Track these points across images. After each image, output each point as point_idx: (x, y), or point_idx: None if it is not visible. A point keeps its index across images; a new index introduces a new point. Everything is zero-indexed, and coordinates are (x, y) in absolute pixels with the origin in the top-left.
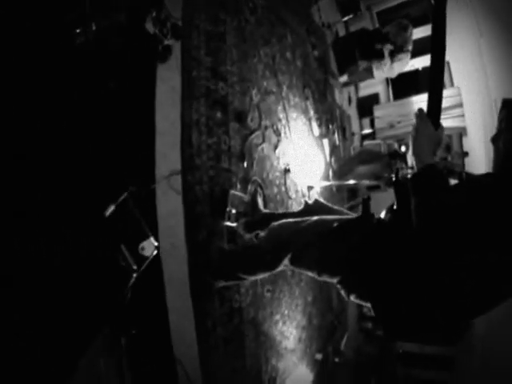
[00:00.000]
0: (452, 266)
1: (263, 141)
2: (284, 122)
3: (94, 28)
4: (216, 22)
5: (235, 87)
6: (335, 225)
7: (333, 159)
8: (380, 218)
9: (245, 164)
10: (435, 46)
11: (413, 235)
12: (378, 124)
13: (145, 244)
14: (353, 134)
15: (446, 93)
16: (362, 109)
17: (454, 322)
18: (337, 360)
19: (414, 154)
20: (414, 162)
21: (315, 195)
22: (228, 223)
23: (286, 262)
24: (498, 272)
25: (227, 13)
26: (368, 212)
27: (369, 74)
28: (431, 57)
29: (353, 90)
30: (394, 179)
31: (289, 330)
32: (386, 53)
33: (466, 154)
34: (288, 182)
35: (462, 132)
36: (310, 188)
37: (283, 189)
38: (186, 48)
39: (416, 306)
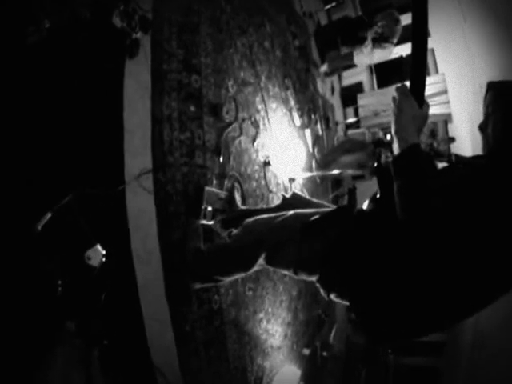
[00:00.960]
0: (443, 261)
1: (240, 133)
2: (263, 113)
3: (47, 25)
4: (189, 12)
5: (210, 79)
6: (312, 218)
7: (316, 149)
8: (362, 208)
9: (221, 159)
10: (417, 17)
11: (397, 226)
12: (362, 113)
13: (90, 253)
14: (336, 124)
15: (430, 80)
16: (346, 98)
17: (444, 325)
18: (325, 354)
19: (397, 133)
20: (397, 143)
21: (298, 187)
22: (204, 221)
23: (261, 261)
24: (495, 265)
25: (201, 2)
26: (353, 202)
27: (349, 59)
28: (412, 29)
29: (336, 79)
30: (376, 165)
31: (274, 328)
32: (369, 39)
33: (452, 139)
34: (268, 175)
35: (447, 119)
36: (291, 180)
37: (263, 182)
38: (156, 41)
39: (402, 306)
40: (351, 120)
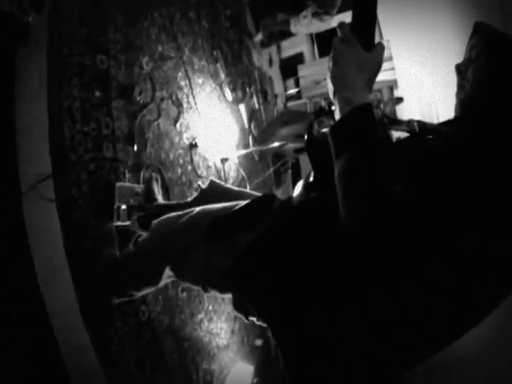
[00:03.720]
0: (410, 272)
1: (159, 115)
2: (186, 90)
3: None
4: None
5: (119, 57)
6: (220, 216)
7: (253, 125)
8: (290, 198)
9: (135, 147)
10: None
11: (339, 227)
12: (303, 83)
13: None
14: (275, 97)
15: None
16: (286, 70)
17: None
18: None
19: (336, 91)
20: (337, 105)
21: (232, 167)
22: (118, 223)
23: (168, 272)
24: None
25: None
26: (297, 177)
27: (285, 26)
28: None
29: (275, 51)
30: (306, 137)
31: (218, 326)
32: (309, 9)
33: (400, 99)
34: (196, 158)
35: (392, 85)
36: (224, 160)
37: (189, 168)
38: (53, 22)
39: (339, 343)
40: (292, 91)
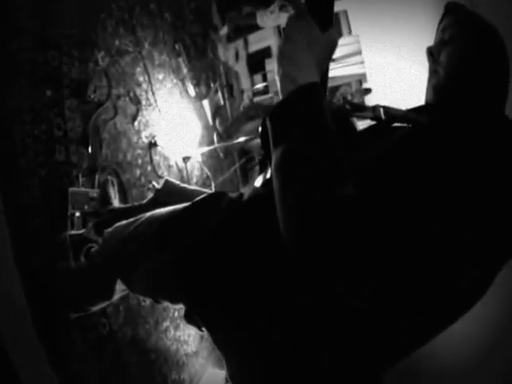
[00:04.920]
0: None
1: (115, 114)
2: (145, 86)
3: None
4: None
5: (73, 53)
6: (168, 220)
7: (217, 121)
8: (241, 194)
9: (89, 149)
10: None
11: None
12: (270, 78)
13: None
14: (242, 92)
15: (344, 41)
16: (254, 64)
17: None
18: None
19: (280, 65)
20: (280, 85)
21: (196, 166)
22: (73, 232)
23: (121, 285)
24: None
25: None
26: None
27: (252, 19)
28: None
29: (242, 46)
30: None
31: (185, 333)
32: (276, 3)
33: (368, 90)
34: (156, 158)
35: (361, 78)
36: (186, 159)
37: (149, 168)
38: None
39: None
40: (259, 86)
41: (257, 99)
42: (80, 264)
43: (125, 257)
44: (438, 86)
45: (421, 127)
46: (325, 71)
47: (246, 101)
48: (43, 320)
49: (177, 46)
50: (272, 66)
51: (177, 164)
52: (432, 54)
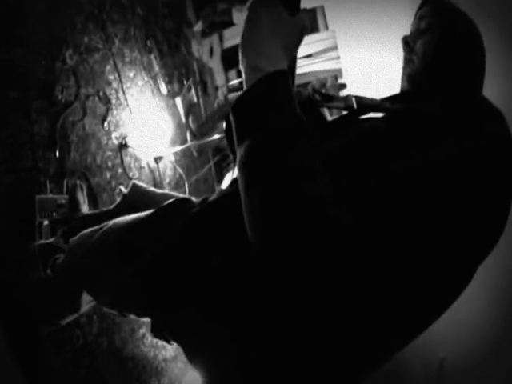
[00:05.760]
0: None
1: (84, 115)
2: (115, 84)
3: None
4: None
5: (39, 51)
6: (129, 228)
7: (191, 119)
8: (205, 199)
9: (57, 153)
10: None
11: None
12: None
13: None
14: (216, 89)
15: (320, 36)
16: (229, 60)
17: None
18: None
19: (243, 53)
20: (244, 75)
21: (169, 166)
22: (41, 241)
23: (87, 297)
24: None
25: None
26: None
27: (227, 15)
28: None
29: (217, 41)
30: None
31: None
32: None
33: (343, 85)
34: (127, 159)
35: (337, 74)
36: (158, 159)
37: (120, 170)
38: None
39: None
40: (234, 82)
41: (232, 96)
42: (47, 276)
43: (88, 268)
44: (413, 75)
45: (394, 115)
46: (293, 59)
47: (220, 98)
48: (15, 336)
49: (148, 43)
50: None
51: (148, 165)
52: (408, 43)
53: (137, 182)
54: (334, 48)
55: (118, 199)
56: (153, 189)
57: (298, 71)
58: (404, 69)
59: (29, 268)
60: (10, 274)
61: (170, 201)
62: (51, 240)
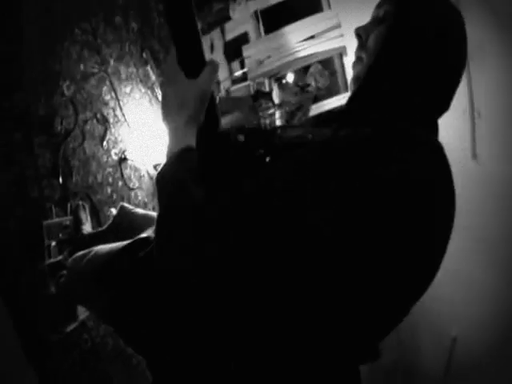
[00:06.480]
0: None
1: (83, 139)
2: (112, 103)
3: None
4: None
5: (38, 90)
6: (101, 264)
7: None
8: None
9: (60, 180)
10: None
11: None
12: (248, 64)
13: None
14: (218, 84)
15: (323, 16)
16: (231, 52)
17: None
18: None
19: (164, 123)
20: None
21: None
22: (51, 260)
23: (83, 308)
24: None
25: None
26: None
27: (225, 13)
28: None
29: (217, 36)
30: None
31: None
32: None
33: (333, 73)
34: (127, 171)
35: (342, 52)
36: (157, 166)
37: (120, 183)
38: None
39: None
40: (237, 74)
41: (233, 88)
42: (51, 293)
43: (78, 290)
44: (357, 78)
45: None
46: (210, 117)
47: (222, 93)
48: (30, 343)
49: (144, 54)
50: (249, 51)
51: (148, 172)
52: (360, 36)
53: (125, 205)
54: (338, 26)
55: (109, 220)
56: (138, 210)
57: (302, 54)
58: (353, 68)
59: (40, 284)
60: (24, 291)
61: (130, 242)
62: (59, 258)
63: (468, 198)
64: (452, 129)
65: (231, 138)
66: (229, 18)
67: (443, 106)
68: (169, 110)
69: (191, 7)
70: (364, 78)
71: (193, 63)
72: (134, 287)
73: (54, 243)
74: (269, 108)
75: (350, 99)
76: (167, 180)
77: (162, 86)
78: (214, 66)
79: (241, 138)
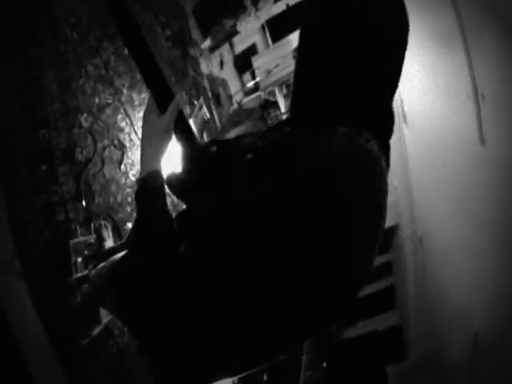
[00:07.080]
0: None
1: (103, 165)
2: (128, 129)
3: None
4: (28, 66)
5: (59, 125)
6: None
7: (205, 135)
8: None
9: (83, 203)
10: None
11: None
12: (258, 75)
13: None
14: (230, 97)
15: None
16: (242, 64)
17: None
18: None
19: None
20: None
21: None
22: (78, 275)
23: (105, 312)
24: None
25: (42, 47)
26: None
27: (233, 29)
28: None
29: (227, 51)
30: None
31: None
32: (248, 3)
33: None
34: None
35: None
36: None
37: None
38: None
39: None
40: (249, 85)
41: (246, 100)
42: (80, 300)
43: (98, 293)
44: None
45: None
46: (185, 136)
47: (234, 105)
48: (61, 349)
49: None
50: (259, 62)
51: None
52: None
53: None
54: None
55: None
56: None
57: None
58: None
59: (68, 297)
60: (55, 303)
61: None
62: (85, 272)
63: (476, 182)
64: (457, 115)
65: (205, 150)
66: (237, 33)
67: (390, 82)
68: (143, 143)
69: (147, 45)
70: (293, 84)
71: (162, 98)
72: (136, 286)
73: (80, 259)
74: (277, 116)
75: (289, 107)
76: (135, 198)
77: (144, 116)
78: (178, 101)
79: (213, 148)
